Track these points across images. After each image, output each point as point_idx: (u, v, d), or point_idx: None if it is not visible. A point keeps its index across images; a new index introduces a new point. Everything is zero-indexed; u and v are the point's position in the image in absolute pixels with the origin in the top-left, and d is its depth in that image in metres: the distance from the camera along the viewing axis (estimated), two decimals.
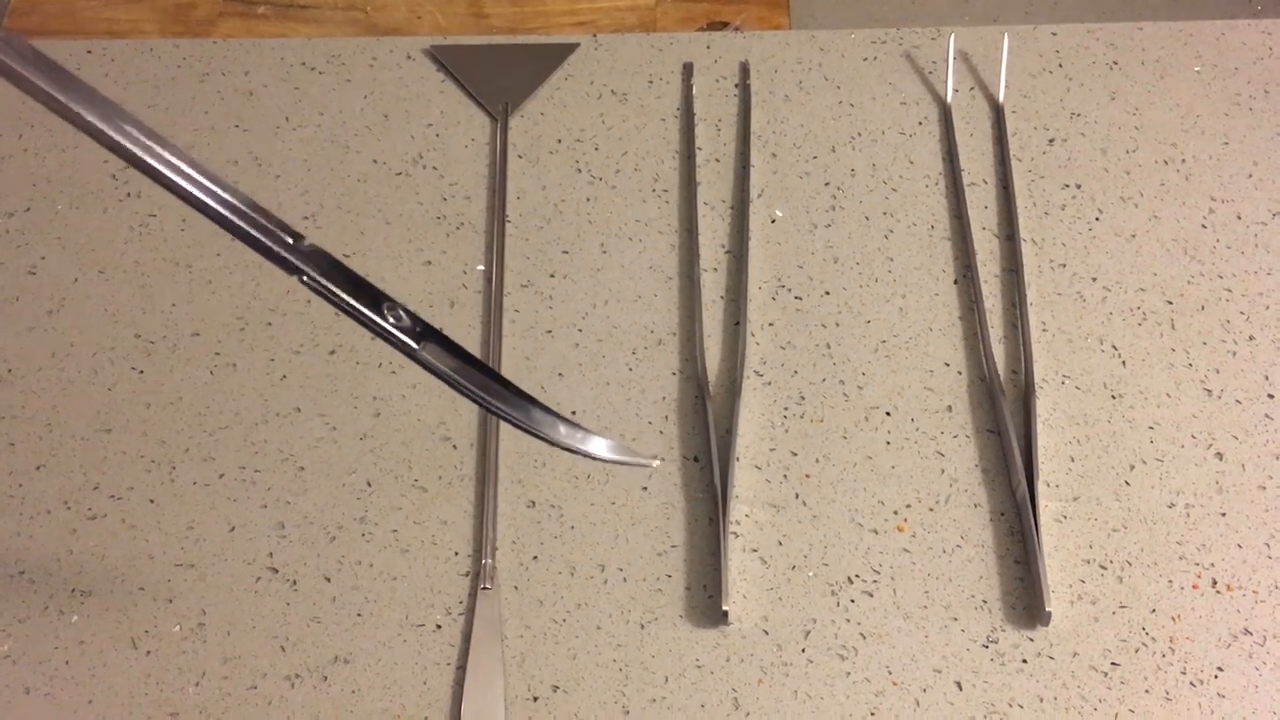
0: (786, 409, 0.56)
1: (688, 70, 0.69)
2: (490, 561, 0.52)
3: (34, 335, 0.59)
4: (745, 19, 0.97)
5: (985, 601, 0.51)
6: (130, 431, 0.56)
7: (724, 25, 0.98)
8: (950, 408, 0.56)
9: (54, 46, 0.72)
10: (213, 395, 0.57)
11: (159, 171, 0.34)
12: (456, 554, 0.53)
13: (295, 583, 0.52)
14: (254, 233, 0.35)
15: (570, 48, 0.70)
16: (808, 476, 0.55)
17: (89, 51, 0.71)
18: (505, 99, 0.67)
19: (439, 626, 0.51)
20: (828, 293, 0.60)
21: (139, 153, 0.33)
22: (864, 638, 0.50)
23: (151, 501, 0.54)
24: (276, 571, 0.52)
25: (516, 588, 0.52)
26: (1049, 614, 0.49)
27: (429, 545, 0.53)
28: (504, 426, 0.56)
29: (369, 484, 0.55)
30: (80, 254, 0.62)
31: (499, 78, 0.68)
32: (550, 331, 0.59)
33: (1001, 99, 0.67)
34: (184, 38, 0.86)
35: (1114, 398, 0.56)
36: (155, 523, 0.54)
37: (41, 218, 0.63)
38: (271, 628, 0.51)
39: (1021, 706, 0.48)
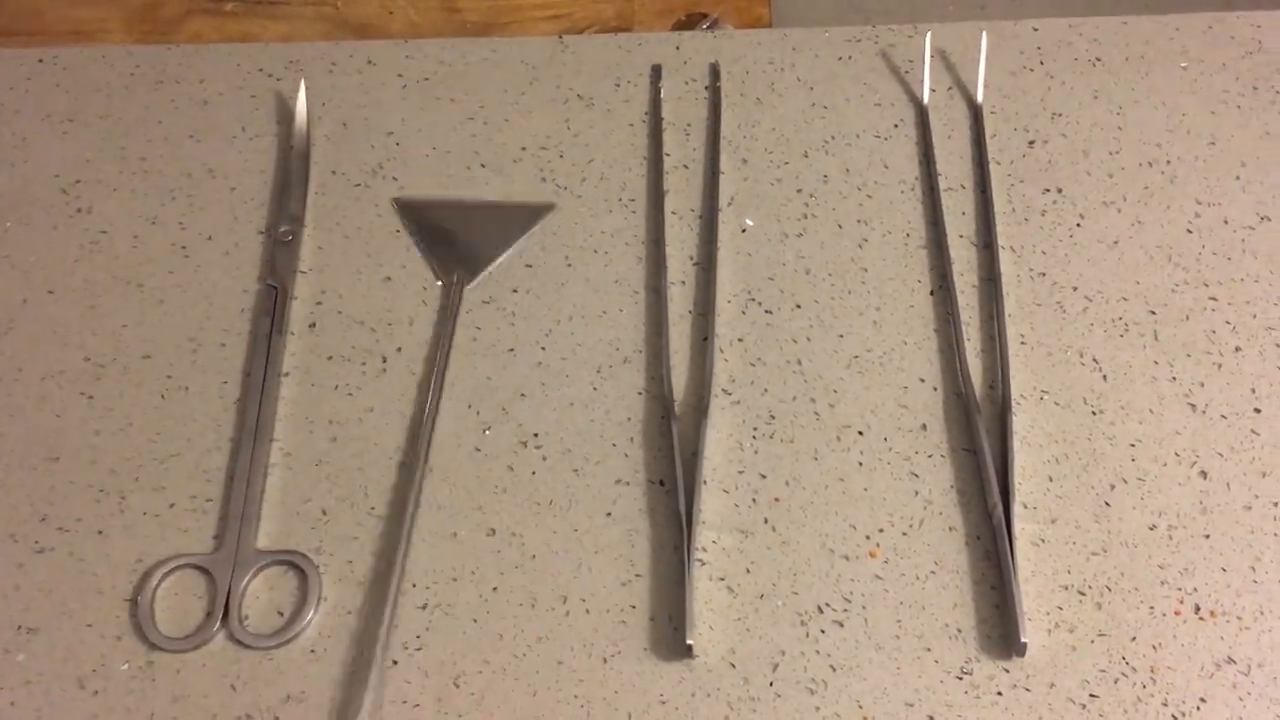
0: (755, 429, 0.55)
1: (656, 72, 0.67)
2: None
3: None
4: (724, 10, 0.94)
5: (960, 630, 0.49)
6: (79, 459, 0.54)
7: (703, 17, 0.95)
8: (925, 426, 0.54)
9: (7, 55, 0.70)
10: (164, 420, 0.55)
11: None
12: (414, 586, 0.51)
13: (247, 617, 0.50)
14: None
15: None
16: (777, 500, 0.53)
17: (40, 60, 0.69)
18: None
19: (395, 662, 0.49)
20: (799, 306, 0.58)
21: None
22: (834, 670, 0.49)
23: (100, 533, 0.52)
24: None
25: (476, 621, 0.50)
26: (1024, 644, 0.48)
27: (385, 577, 0.51)
28: (461, 450, 0.54)
29: (324, 512, 0.53)
30: (29, 273, 0.60)
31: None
32: (513, 350, 0.57)
33: (980, 99, 0.64)
34: (151, 36, 0.84)
35: (1094, 414, 0.54)
36: (104, 555, 0.52)
37: None
38: (222, 666, 0.49)
39: None
